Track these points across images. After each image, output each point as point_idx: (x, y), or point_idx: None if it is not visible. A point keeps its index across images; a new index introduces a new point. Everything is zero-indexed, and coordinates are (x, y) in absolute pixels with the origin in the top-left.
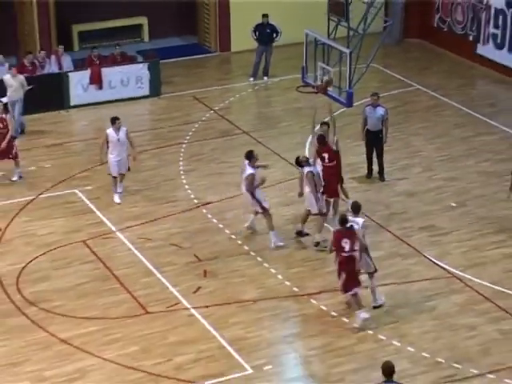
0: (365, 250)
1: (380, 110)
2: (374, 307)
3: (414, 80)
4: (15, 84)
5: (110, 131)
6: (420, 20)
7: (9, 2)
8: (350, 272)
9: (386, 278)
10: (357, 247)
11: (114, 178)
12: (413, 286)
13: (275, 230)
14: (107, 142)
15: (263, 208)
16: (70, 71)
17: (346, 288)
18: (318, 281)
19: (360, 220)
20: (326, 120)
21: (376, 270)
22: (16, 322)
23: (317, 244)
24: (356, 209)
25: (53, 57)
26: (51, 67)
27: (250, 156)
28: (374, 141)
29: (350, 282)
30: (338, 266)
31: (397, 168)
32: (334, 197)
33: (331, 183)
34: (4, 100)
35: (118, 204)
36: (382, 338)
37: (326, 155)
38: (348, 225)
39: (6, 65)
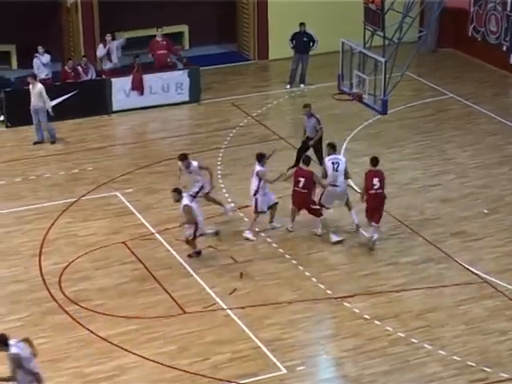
0: None
1: (312, 121)
2: None
3: (448, 89)
4: (34, 93)
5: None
6: (454, 30)
7: (56, 9)
8: None
9: (418, 282)
10: None
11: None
12: (445, 291)
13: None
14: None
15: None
16: (113, 77)
17: None
18: (351, 284)
19: None
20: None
21: None
22: (58, 319)
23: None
24: None
25: (100, 45)
26: (100, 53)
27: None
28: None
29: None
30: None
31: (430, 174)
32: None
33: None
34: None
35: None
36: (413, 341)
37: (302, 179)
38: None
39: (45, 56)
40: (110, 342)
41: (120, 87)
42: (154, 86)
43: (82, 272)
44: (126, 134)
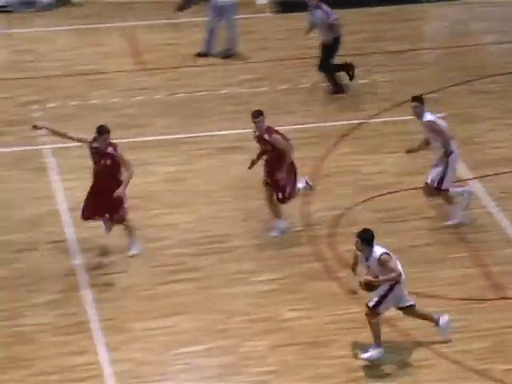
0: None
1: (317, 14)
2: None
3: None
4: None
5: None
6: None
7: None
8: None
9: None
10: None
11: None
12: None
13: None
14: None
15: None
16: None
17: None
18: None
19: None
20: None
21: None
22: (321, 287)
23: None
24: None
25: None
26: None
27: None
28: None
29: None
30: None
31: None
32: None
33: None
34: None
35: None
36: None
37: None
38: None
39: None
40: None
41: None
42: None
43: (359, 225)
44: (439, 33)
